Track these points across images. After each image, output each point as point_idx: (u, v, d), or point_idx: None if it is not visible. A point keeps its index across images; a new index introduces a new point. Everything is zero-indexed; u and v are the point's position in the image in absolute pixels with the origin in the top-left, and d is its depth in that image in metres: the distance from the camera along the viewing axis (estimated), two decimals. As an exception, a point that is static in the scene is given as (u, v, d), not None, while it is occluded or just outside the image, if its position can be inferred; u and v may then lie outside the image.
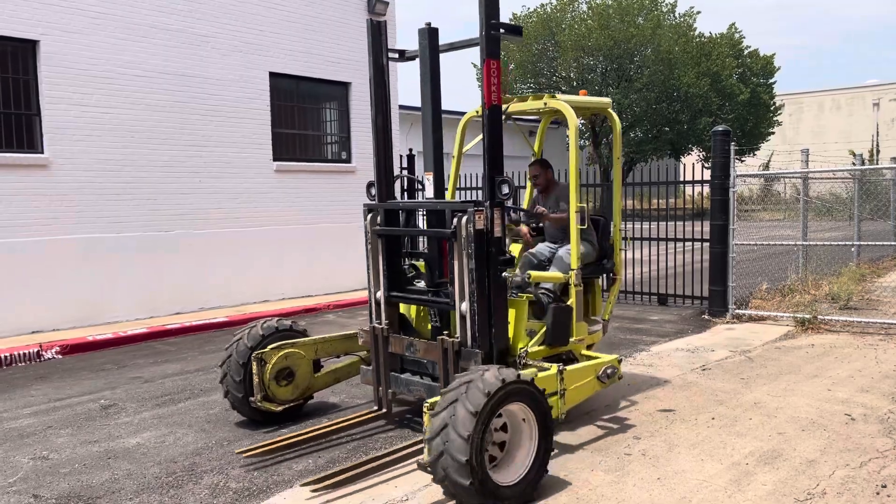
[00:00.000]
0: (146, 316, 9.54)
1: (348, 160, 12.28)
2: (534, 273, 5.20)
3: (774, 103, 38.59)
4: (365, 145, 12.33)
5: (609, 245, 5.91)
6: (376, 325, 5.14)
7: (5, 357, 7.54)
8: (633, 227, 10.96)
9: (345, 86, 12.11)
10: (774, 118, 39.03)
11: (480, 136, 4.77)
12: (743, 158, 33.87)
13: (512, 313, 4.90)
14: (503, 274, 4.54)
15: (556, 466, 4.44)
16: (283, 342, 5.19)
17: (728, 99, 34.59)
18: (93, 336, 8.40)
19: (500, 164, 4.57)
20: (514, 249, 6.04)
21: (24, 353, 7.68)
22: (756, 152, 37.53)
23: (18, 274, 8.45)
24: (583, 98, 5.72)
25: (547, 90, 36.90)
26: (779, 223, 17.79)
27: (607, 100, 5.86)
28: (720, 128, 9.23)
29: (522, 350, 4.80)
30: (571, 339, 5.17)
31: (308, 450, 4.81)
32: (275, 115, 11.10)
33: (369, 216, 5.10)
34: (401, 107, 14.56)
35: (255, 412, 5.16)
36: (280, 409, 5.16)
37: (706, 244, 9.56)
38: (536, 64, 35.22)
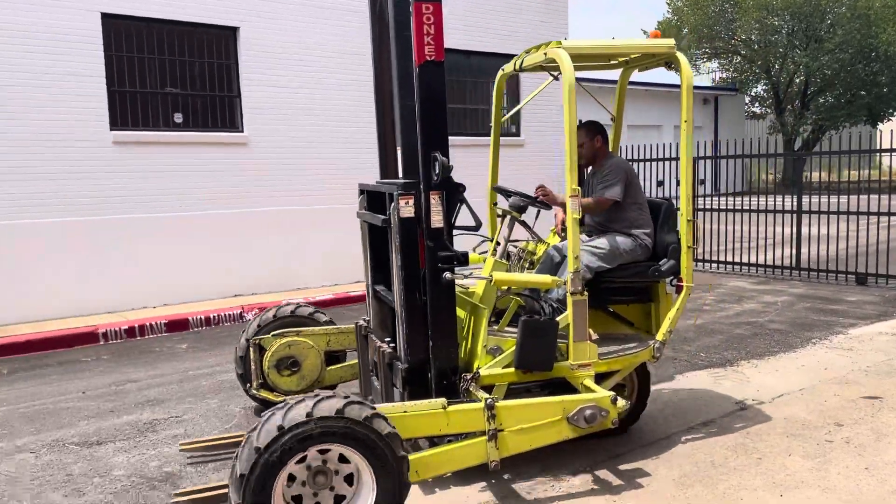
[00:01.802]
0: (331, 283, 10.17)
1: (517, 133, 12.29)
2: (498, 275, 3.94)
3: None
4: (533, 119, 12.27)
5: (673, 240, 4.42)
6: (361, 322, 4.67)
7: (214, 317, 8.37)
8: (820, 202, 10.11)
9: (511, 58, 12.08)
10: None
11: (530, 97, 4.35)
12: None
13: (469, 323, 4.00)
14: (445, 274, 3.68)
15: (747, 449, 4.25)
16: (288, 330, 4.91)
17: (938, 56, 30.77)
18: (285, 300, 9.09)
19: (439, 136, 3.70)
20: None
21: (229, 314, 8.48)
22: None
23: (221, 242, 9.29)
24: (603, 43, 4.32)
25: (724, 55, 34.71)
26: None
27: (663, 42, 4.21)
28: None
29: (473, 373, 3.78)
30: (566, 364, 3.91)
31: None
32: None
33: (359, 199, 4.50)
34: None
35: (257, 399, 4.94)
36: (280, 399, 4.92)
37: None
38: (713, 27, 33.15)
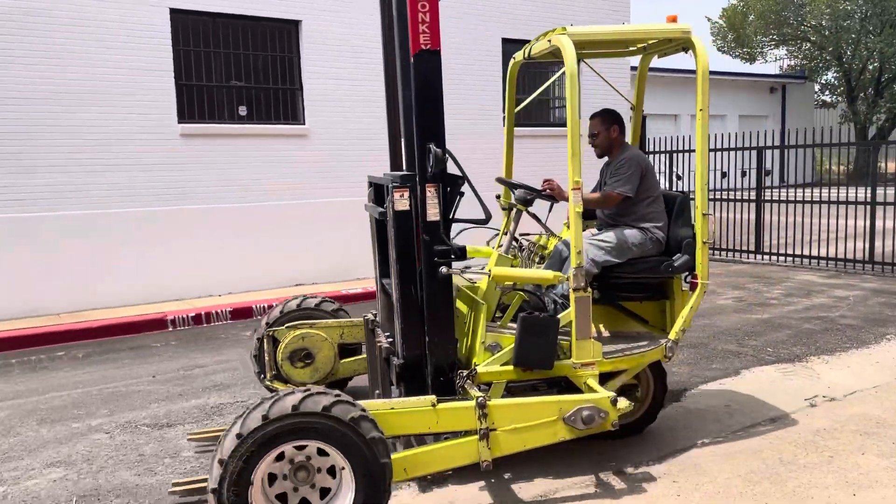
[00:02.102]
0: (390, 274, 10.26)
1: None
2: (497, 270, 3.84)
3: None
4: (594, 109, 12.12)
5: (688, 234, 4.20)
6: (369, 315, 4.59)
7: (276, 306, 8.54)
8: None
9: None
10: None
11: (545, 86, 4.17)
12: None
13: (470, 319, 3.95)
14: (441, 269, 3.62)
15: (817, 446, 4.12)
16: (301, 322, 4.89)
17: None
18: (345, 290, 9.22)
19: (434, 128, 3.63)
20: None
21: (290, 303, 8.66)
22: None
23: (283, 232, 9.47)
24: (611, 29, 4.06)
25: (792, 41, 33.55)
26: None
27: (676, 26, 3.97)
28: None
29: (469, 370, 3.71)
30: (568, 363, 3.78)
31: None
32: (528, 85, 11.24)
33: (368, 191, 4.46)
34: (632, 67, 14.04)
35: (271, 391, 4.84)
36: None
37: None
38: (781, 13, 32.06)
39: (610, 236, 4.21)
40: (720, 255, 12.01)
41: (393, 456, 3.23)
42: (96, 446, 4.51)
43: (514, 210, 4.18)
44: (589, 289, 3.71)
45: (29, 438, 4.66)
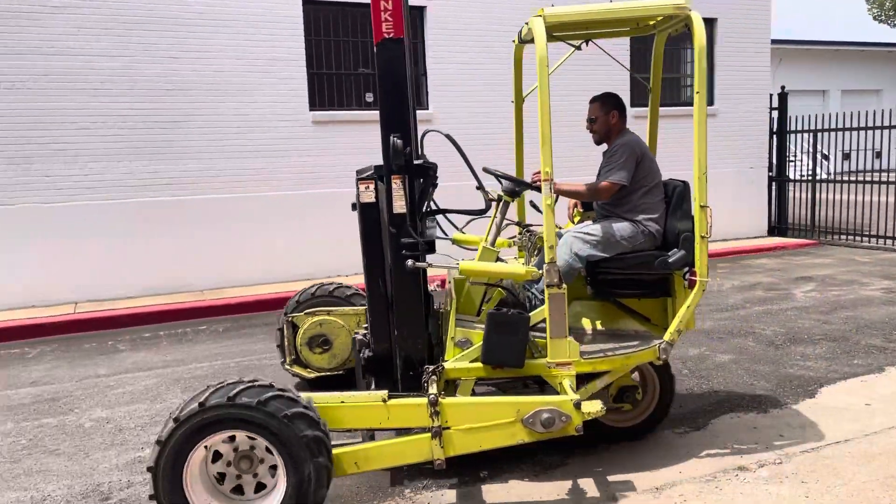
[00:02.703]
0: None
1: (710, 102, 11.57)
2: (465, 264, 3.61)
3: None
4: (730, 86, 11.50)
5: (687, 227, 3.88)
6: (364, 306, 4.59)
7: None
8: None
9: (710, 22, 11.36)
10: None
11: (552, 70, 3.48)
12: None
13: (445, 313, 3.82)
14: (408, 262, 3.48)
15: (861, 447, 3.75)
16: (319, 308, 5.00)
17: None
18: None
19: (397, 117, 3.51)
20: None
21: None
22: None
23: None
24: (590, 9, 3.68)
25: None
26: None
27: (672, 2, 3.63)
28: None
29: (435, 366, 3.58)
30: (542, 362, 3.59)
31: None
32: (633, 61, 10.89)
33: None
34: (772, 41, 13.20)
35: (292, 374, 5.11)
36: (312, 376, 5.00)
37: None
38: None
39: (596, 229, 3.97)
40: (868, 241, 11.11)
41: (344, 450, 3.27)
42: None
43: (502, 202, 3.97)
44: (563, 285, 3.48)
45: (173, 405, 5.06)
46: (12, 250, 7.96)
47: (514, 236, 4.48)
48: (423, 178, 3.63)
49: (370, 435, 3.66)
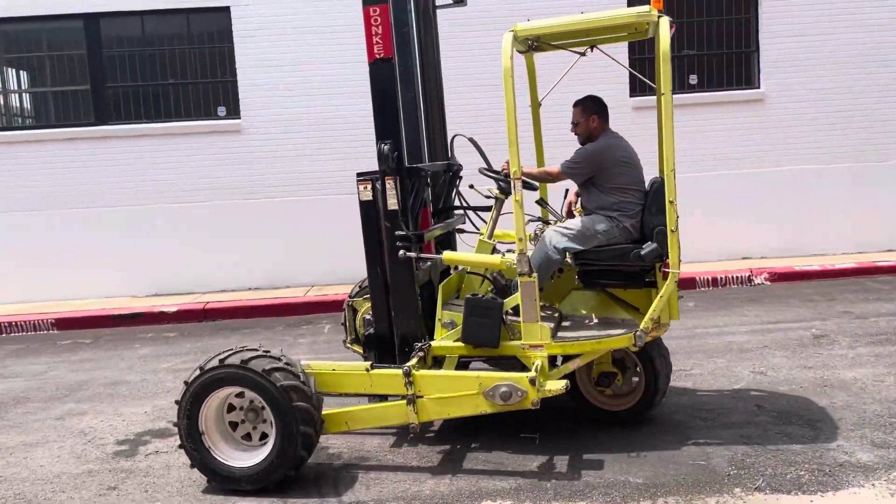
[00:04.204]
0: (855, 251, 9.13)
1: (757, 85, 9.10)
2: (448, 254, 4.25)
3: None
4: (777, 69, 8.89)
5: (660, 222, 4.00)
6: None
7: (721, 278, 8.35)
8: None
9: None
10: None
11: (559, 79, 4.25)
12: None
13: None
14: (400, 252, 4.01)
15: None
16: None
17: None
18: (799, 266, 8.52)
19: (388, 127, 4.11)
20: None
21: (737, 277, 8.36)
22: None
23: (732, 204, 9.12)
24: (561, 21, 3.93)
25: None
26: None
27: (630, 11, 3.87)
28: None
29: (423, 343, 4.08)
30: (517, 343, 3.95)
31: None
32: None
33: None
34: None
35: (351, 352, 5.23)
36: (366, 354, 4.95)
37: None
38: None
39: (575, 223, 4.29)
40: None
41: (335, 410, 3.94)
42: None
43: (496, 199, 4.45)
44: (534, 274, 3.86)
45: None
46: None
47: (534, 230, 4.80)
48: (414, 179, 4.20)
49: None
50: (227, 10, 8.90)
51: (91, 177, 9.02)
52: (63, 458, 4.42)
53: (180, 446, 3.84)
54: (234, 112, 9.15)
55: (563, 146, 4.98)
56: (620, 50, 8.70)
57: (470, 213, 4.89)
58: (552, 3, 8.10)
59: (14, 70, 9.49)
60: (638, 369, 4.36)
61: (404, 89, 4.54)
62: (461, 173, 4.95)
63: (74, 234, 9.01)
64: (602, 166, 4.27)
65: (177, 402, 3.81)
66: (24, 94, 9.60)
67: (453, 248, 5.00)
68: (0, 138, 9.04)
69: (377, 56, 4.10)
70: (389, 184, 4.06)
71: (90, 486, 4.00)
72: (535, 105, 4.88)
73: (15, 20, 8.94)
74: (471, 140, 4.62)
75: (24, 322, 8.14)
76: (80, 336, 7.81)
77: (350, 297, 5.30)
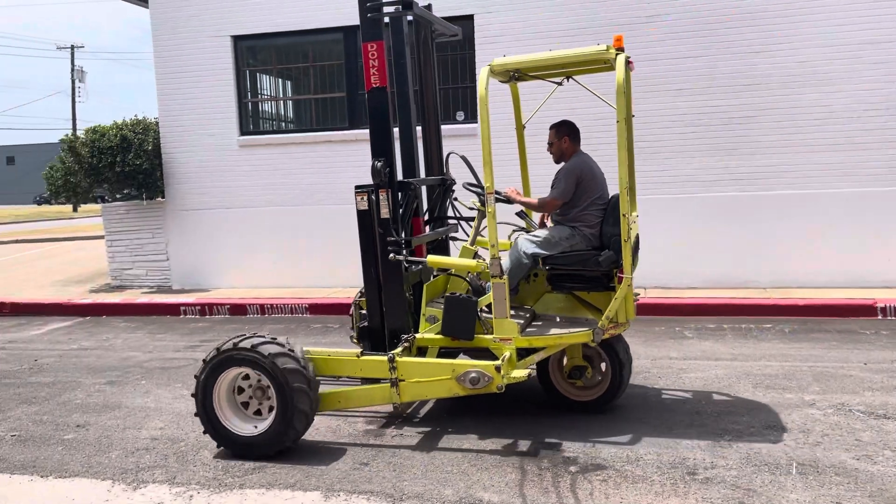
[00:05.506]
0: None
1: None
2: (431, 258, 4.74)
3: None
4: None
5: (617, 232, 4.49)
6: None
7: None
8: None
9: None
10: None
11: (538, 106, 4.88)
12: None
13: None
14: (390, 255, 4.60)
15: None
16: None
17: None
18: None
19: (381, 147, 4.67)
20: None
21: None
22: None
23: None
24: (540, 56, 4.54)
25: None
26: None
27: (593, 49, 4.38)
28: None
29: (409, 335, 4.64)
30: (489, 337, 4.47)
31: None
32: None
33: None
34: None
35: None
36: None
37: None
38: None
39: (543, 232, 4.84)
40: None
41: (330, 390, 4.58)
42: (810, 420, 4.59)
43: (478, 212, 5.06)
44: (505, 276, 4.37)
45: (744, 399, 5.08)
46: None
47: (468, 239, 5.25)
48: (405, 191, 4.85)
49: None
50: (470, 17, 9.23)
51: (347, 176, 9.66)
52: (321, 431, 4.85)
53: (196, 414, 4.43)
54: (470, 116, 9.49)
55: (548, 164, 5.21)
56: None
57: (462, 222, 5.45)
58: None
59: (281, 80, 10.63)
60: (603, 366, 4.87)
61: (401, 113, 5.14)
62: (454, 187, 5.51)
63: (334, 227, 9.64)
64: (579, 181, 4.76)
65: (195, 377, 4.41)
66: (287, 102, 10.73)
67: (447, 254, 5.57)
68: (271, 140, 10.17)
69: (374, 85, 4.67)
70: (382, 196, 4.64)
71: (346, 460, 4.35)
72: (520, 128, 5.39)
73: (283, 34, 10.00)
74: (462, 158, 5.22)
75: (284, 304, 9.10)
76: (329, 321, 8.56)
77: (357, 297, 5.60)
